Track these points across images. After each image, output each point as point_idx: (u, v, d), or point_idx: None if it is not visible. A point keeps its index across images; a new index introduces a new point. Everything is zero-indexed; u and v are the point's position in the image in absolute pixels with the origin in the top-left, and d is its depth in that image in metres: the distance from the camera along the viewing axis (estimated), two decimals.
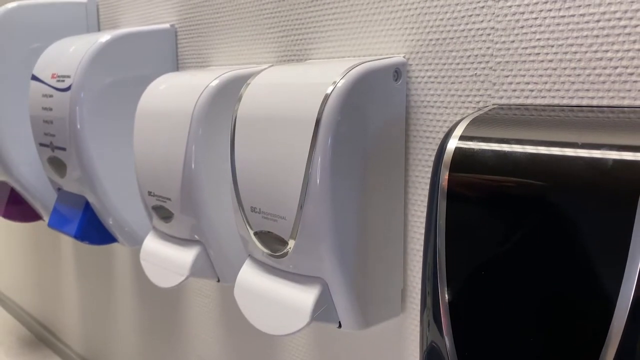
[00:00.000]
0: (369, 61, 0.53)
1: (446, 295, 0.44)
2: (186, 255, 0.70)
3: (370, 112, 0.53)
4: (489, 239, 0.42)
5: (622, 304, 0.34)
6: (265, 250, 0.57)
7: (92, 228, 0.89)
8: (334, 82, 0.51)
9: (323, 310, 0.55)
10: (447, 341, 0.44)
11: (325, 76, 0.52)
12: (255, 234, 0.58)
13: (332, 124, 0.50)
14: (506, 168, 0.40)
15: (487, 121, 0.46)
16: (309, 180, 0.51)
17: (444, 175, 0.43)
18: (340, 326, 0.56)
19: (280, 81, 0.58)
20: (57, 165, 0.87)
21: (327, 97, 0.50)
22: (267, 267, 0.59)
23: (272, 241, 0.56)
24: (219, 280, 0.71)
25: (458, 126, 0.46)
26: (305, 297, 0.54)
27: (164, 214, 0.71)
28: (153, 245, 0.75)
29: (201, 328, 0.97)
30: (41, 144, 0.89)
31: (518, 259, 0.40)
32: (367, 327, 0.57)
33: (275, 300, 0.57)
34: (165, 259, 0.72)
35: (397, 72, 0.54)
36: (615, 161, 0.36)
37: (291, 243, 0.54)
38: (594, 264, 0.36)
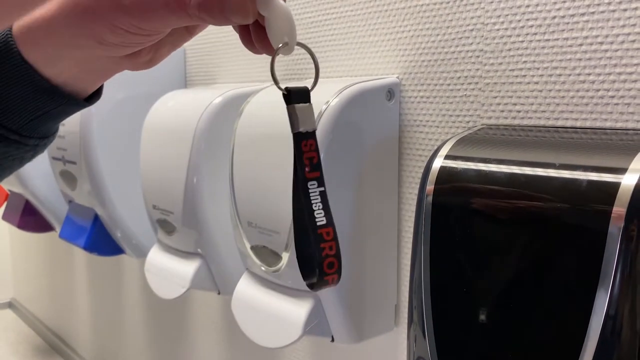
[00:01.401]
0: (363, 81, 0.55)
1: (431, 310, 0.45)
2: (187, 268, 0.71)
3: (364, 130, 0.55)
4: (470, 255, 0.42)
5: (596, 319, 0.35)
6: (261, 265, 0.59)
7: (100, 240, 0.91)
8: (327, 102, 0.52)
9: (316, 324, 0.56)
10: (431, 355, 0.45)
11: (319, 95, 0.54)
12: (252, 248, 0.59)
13: (324, 141, 0.51)
14: (487, 187, 0.41)
15: (473, 141, 0.47)
16: None
17: (429, 192, 0.45)
18: (333, 340, 0.57)
19: (278, 99, 0.59)
20: (69, 179, 0.90)
21: (320, 114, 0.52)
22: (264, 281, 0.60)
23: (268, 255, 0.57)
24: (219, 293, 0.73)
25: (444, 145, 0.47)
26: (298, 311, 0.55)
27: (168, 228, 0.73)
28: (157, 258, 0.77)
29: (206, 338, 0.98)
30: (54, 158, 0.92)
31: (498, 274, 0.41)
32: (359, 342, 0.57)
33: (270, 313, 0.58)
34: (168, 270, 0.74)
35: (390, 92, 0.56)
36: (590, 182, 0.37)
37: (285, 257, 0.55)
38: (568, 279, 0.37)
